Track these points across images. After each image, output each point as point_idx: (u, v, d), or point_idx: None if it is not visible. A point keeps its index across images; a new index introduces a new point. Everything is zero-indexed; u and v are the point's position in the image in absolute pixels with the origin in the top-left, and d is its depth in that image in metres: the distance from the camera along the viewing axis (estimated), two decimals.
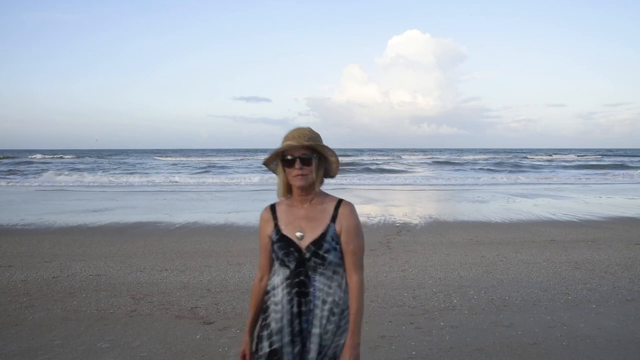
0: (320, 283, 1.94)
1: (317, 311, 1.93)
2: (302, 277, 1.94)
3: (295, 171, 1.94)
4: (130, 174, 30.60)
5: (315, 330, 1.93)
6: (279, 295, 1.97)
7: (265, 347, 1.96)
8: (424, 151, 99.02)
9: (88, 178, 27.02)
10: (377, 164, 44.27)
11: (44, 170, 32.80)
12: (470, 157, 60.23)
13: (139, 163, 48.99)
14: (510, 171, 34.85)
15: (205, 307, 4.87)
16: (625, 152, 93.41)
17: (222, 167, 40.12)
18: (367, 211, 12.25)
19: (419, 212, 12.33)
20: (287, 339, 1.93)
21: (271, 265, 2.06)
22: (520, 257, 7.05)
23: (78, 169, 36.22)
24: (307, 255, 1.93)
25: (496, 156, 65.28)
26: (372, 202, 15.04)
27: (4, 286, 5.60)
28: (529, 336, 4.10)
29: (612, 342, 3.95)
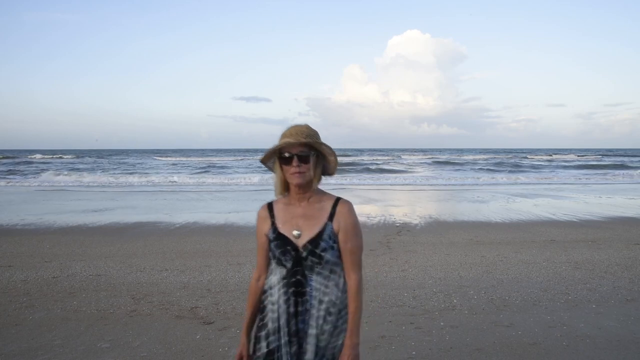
0: (317, 283, 1.92)
1: (314, 311, 1.91)
2: (298, 277, 1.92)
3: (292, 169, 1.91)
4: (130, 174, 30.60)
5: (312, 331, 1.91)
6: (276, 295, 1.95)
7: (263, 348, 1.95)
8: (424, 151, 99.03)
9: (87, 178, 27.03)
10: (377, 164, 44.26)
11: (43, 171, 32.82)
12: (470, 157, 60.23)
13: (138, 163, 48.99)
14: (510, 171, 34.85)
15: (205, 307, 4.87)
16: (625, 152, 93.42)
17: (222, 167, 40.14)
18: (367, 211, 12.25)
19: (419, 212, 12.33)
20: (284, 339, 1.91)
21: (268, 264, 2.04)
22: (520, 257, 7.05)
23: (77, 169, 36.21)
24: (304, 254, 1.91)
25: (496, 156, 65.28)
26: (372, 202, 15.04)
27: (4, 286, 5.60)
28: (529, 336, 4.10)
29: (612, 342, 3.95)
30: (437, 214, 11.96)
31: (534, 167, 40.92)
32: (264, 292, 2.02)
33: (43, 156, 60.44)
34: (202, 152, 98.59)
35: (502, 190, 19.22)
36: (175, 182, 24.86)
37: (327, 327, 1.91)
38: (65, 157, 61.31)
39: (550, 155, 66.87)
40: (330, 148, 1.96)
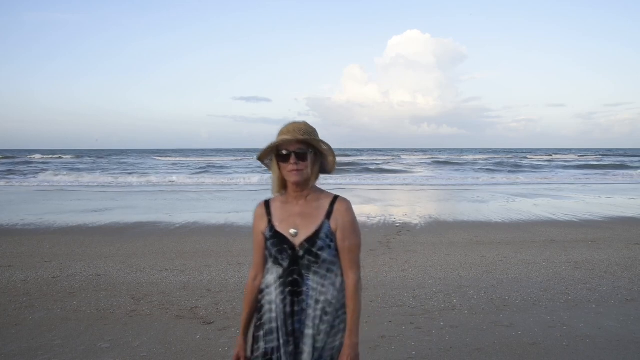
0: (313, 282, 1.89)
1: (310, 311, 1.89)
2: (295, 276, 1.89)
3: (290, 166, 1.89)
4: (129, 174, 30.57)
5: (308, 331, 1.88)
6: (273, 295, 1.93)
7: (261, 348, 1.92)
8: (424, 151, 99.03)
9: (85, 178, 27.00)
10: (377, 164, 44.25)
11: (43, 171, 32.80)
12: (470, 157, 60.23)
13: (137, 163, 48.95)
14: (510, 171, 34.86)
15: (205, 307, 4.87)
16: (625, 152, 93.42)
17: (221, 167, 40.13)
18: (367, 211, 12.25)
19: (419, 212, 12.33)
20: (282, 339, 1.89)
21: (265, 263, 2.01)
22: (520, 257, 7.05)
23: (76, 169, 36.17)
24: (301, 253, 1.88)
25: (496, 156, 65.29)
26: (372, 202, 15.04)
27: (4, 286, 5.60)
28: (529, 336, 4.10)
29: (612, 342, 3.95)
30: (437, 214, 11.97)
31: (533, 167, 40.92)
32: (260, 291, 2.00)
33: (42, 156, 60.42)
34: (202, 152, 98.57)
35: (502, 190, 19.22)
36: (173, 182, 24.85)
37: (323, 327, 1.88)
38: (64, 157, 61.27)
39: (550, 155, 66.89)
40: (328, 145, 1.93)
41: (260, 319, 1.97)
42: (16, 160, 51.28)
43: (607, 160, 51.99)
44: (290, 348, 1.88)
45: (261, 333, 1.94)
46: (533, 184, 23.66)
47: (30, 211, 12.47)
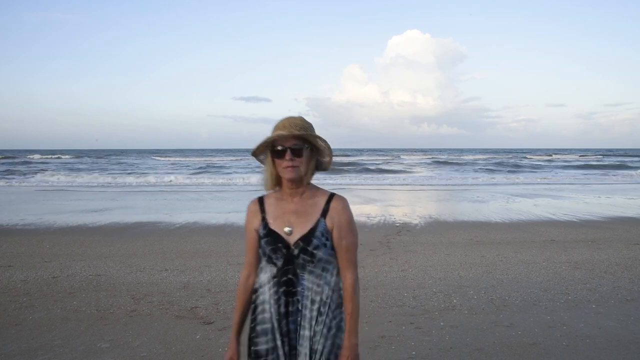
0: (308, 282, 1.85)
1: (306, 312, 1.85)
2: (290, 276, 1.85)
3: (285, 162, 1.83)
4: (129, 174, 30.57)
5: (305, 332, 1.85)
6: (266, 294, 1.88)
7: (257, 349, 1.88)
8: (424, 151, 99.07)
9: (82, 178, 26.86)
10: (376, 164, 44.28)
11: (42, 171, 32.79)
12: (470, 157, 60.26)
13: (137, 163, 48.95)
14: (510, 171, 34.88)
15: (205, 307, 4.87)
16: (626, 152, 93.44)
17: (221, 167, 40.13)
18: (367, 211, 12.25)
19: (419, 212, 12.33)
20: (278, 339, 1.85)
21: (258, 261, 1.95)
22: (520, 257, 7.05)
23: (74, 170, 36.16)
24: (296, 251, 1.83)
25: (496, 156, 65.33)
26: (372, 202, 15.05)
27: (4, 286, 5.60)
28: (529, 336, 4.10)
29: (612, 342, 3.95)
30: (437, 214, 11.97)
31: (533, 167, 40.94)
32: (254, 291, 1.95)
33: (42, 156, 60.39)
34: (202, 152, 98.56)
35: (502, 190, 19.23)
36: (171, 182, 24.82)
37: (318, 328, 1.85)
38: (63, 157, 61.24)
39: (550, 155, 66.92)
40: (325, 141, 1.88)
41: (254, 319, 1.92)
42: (15, 160, 51.27)
43: (607, 160, 52.01)
44: (286, 349, 1.85)
45: (256, 334, 1.89)
46: (533, 184, 23.66)
47: (30, 211, 12.47)
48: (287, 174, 1.85)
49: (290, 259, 1.85)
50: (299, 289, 1.85)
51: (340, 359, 1.87)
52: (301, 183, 1.90)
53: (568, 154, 75.19)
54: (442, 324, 4.39)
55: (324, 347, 1.85)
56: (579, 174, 31.49)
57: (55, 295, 5.27)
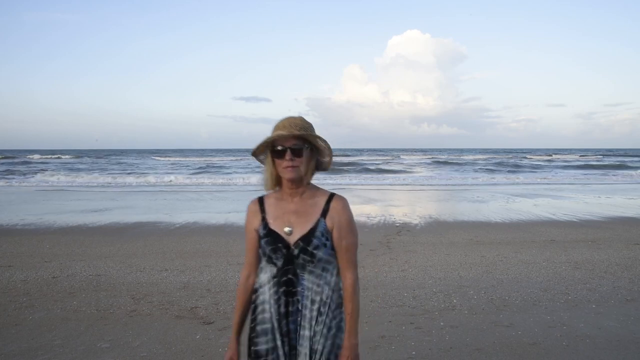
0: (308, 282, 1.85)
1: (306, 312, 1.85)
2: (289, 276, 1.85)
3: (285, 162, 1.83)
4: (128, 174, 30.55)
5: (305, 332, 1.84)
6: (266, 294, 1.88)
7: (257, 349, 1.88)
8: (424, 151, 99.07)
9: (82, 178, 26.85)
10: (376, 164, 44.28)
11: (42, 171, 32.78)
12: (470, 157, 60.27)
13: (137, 163, 48.93)
14: (510, 171, 34.88)
15: (205, 307, 4.87)
16: (626, 152, 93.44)
17: (220, 167, 40.14)
18: (367, 211, 12.26)
19: (419, 212, 12.33)
20: (278, 340, 1.85)
21: (258, 261, 1.96)
22: (520, 257, 7.05)
23: (75, 169, 36.18)
24: (296, 251, 1.83)
25: (496, 156, 65.34)
26: (372, 202, 15.05)
27: (4, 286, 5.60)
28: (529, 336, 4.10)
29: (612, 342, 3.95)
30: (437, 214, 11.97)
31: (533, 167, 40.94)
32: (254, 291, 1.95)
33: (41, 156, 60.38)
34: (202, 152, 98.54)
35: (502, 190, 19.23)
36: (171, 182, 24.80)
37: (318, 328, 1.84)
38: (63, 157, 61.24)
39: (550, 155, 66.92)
40: (325, 141, 1.88)
41: (254, 319, 1.92)
42: (15, 160, 51.26)
43: (607, 160, 52.01)
44: (286, 349, 1.85)
45: (256, 334, 1.89)
46: (533, 184, 23.66)
47: (30, 211, 12.47)
48: (287, 174, 1.84)
49: (290, 259, 1.84)
50: (299, 289, 1.85)
51: (340, 359, 1.86)
52: (301, 183, 1.90)
53: (568, 154, 75.20)
54: (442, 324, 4.39)
55: (324, 347, 1.84)
56: (579, 174, 31.49)
57: (55, 295, 5.27)
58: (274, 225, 1.89)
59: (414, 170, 37.13)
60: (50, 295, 5.27)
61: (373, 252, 7.36)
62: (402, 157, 64.48)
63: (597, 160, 52.91)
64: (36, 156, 59.86)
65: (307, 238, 1.84)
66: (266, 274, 1.90)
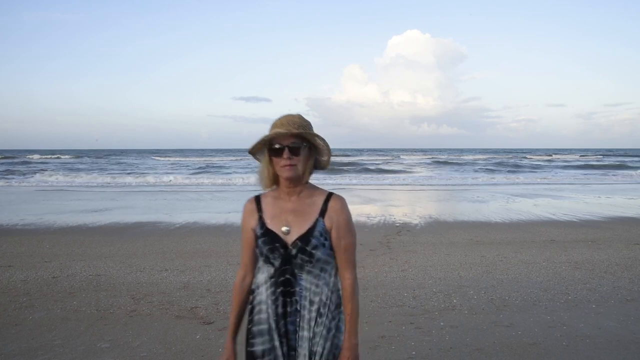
0: (307, 282, 1.83)
1: (305, 312, 1.83)
2: (287, 276, 1.82)
3: (283, 161, 1.80)
4: (128, 174, 30.55)
5: (304, 334, 1.82)
6: (263, 295, 1.86)
7: (255, 350, 1.85)
8: (424, 151, 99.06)
9: (80, 179, 26.81)
10: (376, 164, 44.28)
11: (41, 171, 32.76)
12: (470, 157, 60.27)
13: (136, 163, 48.92)
14: (510, 171, 34.89)
15: (205, 307, 4.87)
16: (626, 152, 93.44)
17: (220, 167, 40.14)
18: (367, 211, 12.25)
19: (419, 212, 12.33)
20: (276, 340, 1.83)
21: (255, 262, 1.94)
22: (520, 257, 7.05)
23: (74, 169, 36.14)
24: (294, 251, 1.81)
25: (496, 156, 65.34)
26: (372, 202, 15.05)
27: (4, 286, 5.60)
28: (529, 336, 4.10)
29: (612, 342, 3.95)
30: (437, 214, 11.97)
31: (534, 167, 40.95)
32: (252, 291, 1.93)
33: (41, 156, 60.37)
34: (202, 152, 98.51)
35: (502, 190, 19.23)
36: (170, 181, 24.79)
37: (319, 329, 1.83)
38: (63, 157, 61.22)
39: (550, 155, 66.92)
40: (323, 140, 1.86)
41: (251, 320, 1.90)
42: (15, 160, 51.24)
43: (607, 160, 52.01)
44: (285, 349, 1.83)
45: (252, 335, 1.87)
46: (533, 184, 23.67)
47: (30, 211, 12.47)
48: (284, 173, 1.82)
49: (288, 258, 1.82)
50: (297, 289, 1.83)
51: (340, 359, 1.85)
52: (299, 182, 1.88)
53: (568, 154, 75.20)
54: (442, 324, 4.39)
55: (323, 349, 1.83)
56: (579, 174, 31.50)
57: (55, 295, 5.27)
58: (271, 224, 1.87)
59: (414, 170, 37.13)
60: (50, 295, 5.27)
61: (373, 252, 7.36)
62: (402, 157, 64.48)
63: (597, 160, 52.92)
64: (36, 156, 59.85)
65: (305, 238, 1.82)
66: (263, 274, 1.88)
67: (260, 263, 1.90)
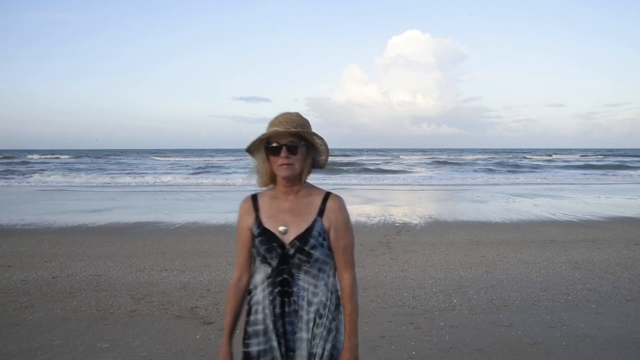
0: (304, 282, 1.81)
1: (302, 313, 1.81)
2: (285, 276, 1.80)
3: (280, 160, 1.78)
4: (127, 174, 30.53)
5: (302, 335, 1.80)
6: (260, 295, 1.84)
7: (252, 350, 1.83)
8: (423, 151, 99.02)
9: (79, 179, 26.84)
10: (376, 164, 44.29)
11: (41, 171, 32.75)
12: (470, 157, 60.26)
13: (136, 163, 48.89)
14: (510, 171, 34.90)
15: (205, 307, 4.87)
16: (626, 152, 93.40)
17: (220, 167, 40.13)
18: (367, 211, 12.25)
19: (419, 212, 12.33)
20: (274, 341, 1.81)
21: (251, 262, 1.92)
22: (520, 257, 7.05)
23: (73, 170, 36.11)
24: (291, 251, 1.79)
25: (496, 156, 65.34)
26: (372, 202, 15.04)
27: (4, 286, 5.60)
28: (529, 336, 4.10)
29: (612, 342, 3.95)
30: (437, 214, 11.97)
31: (533, 167, 40.95)
32: (249, 292, 1.90)
33: (40, 156, 60.34)
34: (202, 152, 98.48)
35: (502, 190, 19.23)
36: (169, 181, 24.77)
37: (319, 331, 1.81)
38: (62, 157, 61.20)
39: (550, 155, 66.92)
40: (321, 139, 1.84)
41: (247, 321, 1.88)
42: (14, 160, 51.21)
43: (607, 160, 52.02)
44: (283, 350, 1.81)
45: (248, 335, 1.85)
46: (533, 184, 23.67)
47: (30, 211, 12.47)
48: (282, 172, 1.80)
49: (285, 258, 1.80)
50: (294, 289, 1.81)
51: None
52: (297, 181, 1.86)
53: (568, 154, 75.21)
54: (442, 324, 4.39)
55: (323, 350, 1.81)
56: (578, 174, 31.51)
57: (55, 295, 5.27)
58: (268, 224, 1.85)
59: (413, 170, 37.12)
60: (50, 295, 5.27)
61: (373, 252, 7.36)
62: (402, 157, 64.46)
63: (597, 160, 52.92)
64: (35, 156, 59.82)
65: (303, 237, 1.80)
66: (260, 274, 1.86)
67: (257, 263, 1.88)
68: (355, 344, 1.86)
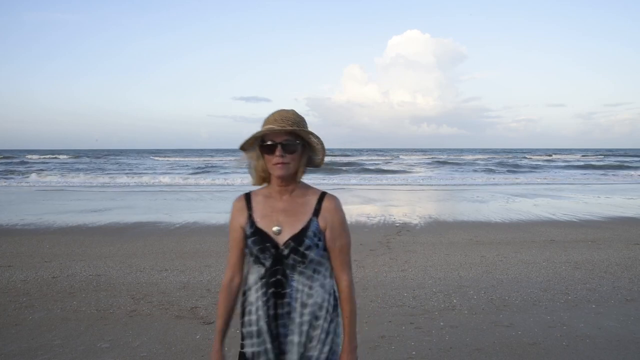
0: (299, 283, 1.76)
1: (295, 315, 1.75)
2: (278, 276, 1.75)
3: (275, 159, 1.73)
4: (126, 174, 30.52)
5: (293, 338, 1.75)
6: (253, 296, 1.80)
7: (247, 352, 1.80)
8: (423, 151, 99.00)
9: (77, 179, 26.81)
10: (376, 164, 44.27)
11: (40, 171, 32.73)
12: (470, 157, 60.25)
13: (135, 163, 48.84)
14: (510, 171, 34.90)
15: (205, 307, 4.87)
16: (626, 152, 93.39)
17: (220, 167, 40.10)
18: (367, 211, 12.25)
19: (419, 212, 12.33)
20: (268, 342, 1.76)
21: (243, 263, 1.89)
22: (520, 257, 7.05)
23: (72, 170, 36.11)
24: (285, 252, 1.74)
25: (496, 156, 65.34)
26: (372, 202, 15.04)
27: (4, 286, 5.59)
28: (529, 336, 4.10)
29: (612, 342, 3.95)
30: (437, 214, 11.97)
31: (533, 167, 40.95)
32: (243, 293, 1.86)
33: (40, 156, 60.31)
34: (201, 152, 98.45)
35: (501, 190, 19.23)
36: (169, 182, 24.75)
37: (315, 333, 1.76)
38: (61, 157, 61.16)
39: (550, 155, 66.91)
40: (318, 138, 1.79)
41: (242, 323, 1.84)
42: (13, 160, 51.17)
43: (607, 160, 52.01)
44: (276, 351, 1.76)
45: (242, 336, 1.83)
46: (533, 184, 23.67)
47: (30, 211, 12.47)
48: (276, 171, 1.75)
49: (279, 259, 1.76)
50: (288, 290, 1.76)
51: None
52: (291, 180, 1.82)
53: (568, 154, 75.20)
54: (442, 324, 4.39)
55: (321, 353, 1.77)
56: (578, 174, 31.51)
57: (55, 295, 5.27)
58: (261, 223, 1.81)
59: (413, 170, 37.12)
60: (50, 295, 5.26)
61: (373, 252, 7.36)
62: (402, 157, 64.42)
63: (597, 160, 52.91)
64: (34, 156, 59.80)
65: (298, 238, 1.75)
66: (253, 275, 1.82)
67: (251, 263, 1.85)
68: (355, 346, 1.83)
